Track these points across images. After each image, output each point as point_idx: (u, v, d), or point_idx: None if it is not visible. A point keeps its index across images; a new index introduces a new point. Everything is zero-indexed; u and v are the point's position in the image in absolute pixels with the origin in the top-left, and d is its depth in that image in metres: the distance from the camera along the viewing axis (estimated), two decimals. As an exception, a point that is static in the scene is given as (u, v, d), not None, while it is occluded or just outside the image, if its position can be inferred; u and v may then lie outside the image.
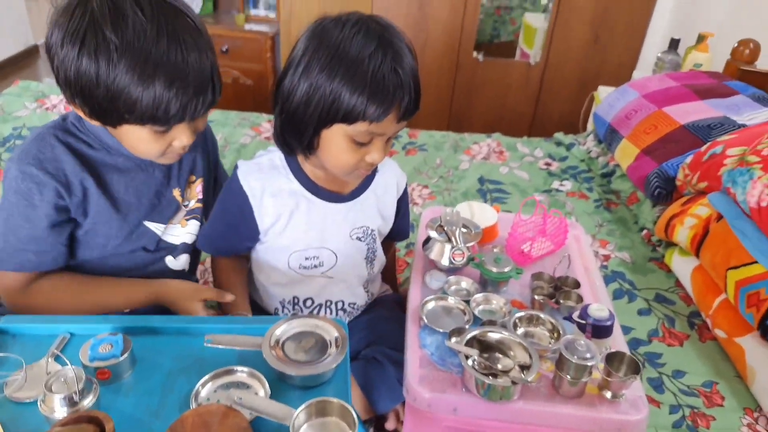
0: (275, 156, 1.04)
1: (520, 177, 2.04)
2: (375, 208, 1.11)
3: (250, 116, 2.32)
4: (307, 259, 1.07)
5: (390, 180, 1.13)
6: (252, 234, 1.05)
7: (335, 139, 0.92)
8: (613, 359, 0.87)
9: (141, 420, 0.73)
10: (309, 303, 1.13)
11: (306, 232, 1.05)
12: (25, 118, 2.11)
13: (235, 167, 1.03)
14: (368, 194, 1.09)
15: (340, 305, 1.15)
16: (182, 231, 1.09)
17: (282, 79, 0.93)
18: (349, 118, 0.88)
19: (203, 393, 0.75)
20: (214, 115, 2.29)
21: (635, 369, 0.85)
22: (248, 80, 3.18)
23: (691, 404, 1.17)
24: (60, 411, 0.69)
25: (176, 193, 1.07)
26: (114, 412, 0.72)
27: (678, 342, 1.33)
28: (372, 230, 1.12)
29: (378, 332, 1.15)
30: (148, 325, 0.85)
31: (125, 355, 0.77)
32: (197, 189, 1.11)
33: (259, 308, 1.18)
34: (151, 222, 1.05)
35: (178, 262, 1.12)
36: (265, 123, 2.27)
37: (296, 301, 1.12)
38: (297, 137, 0.95)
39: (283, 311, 1.13)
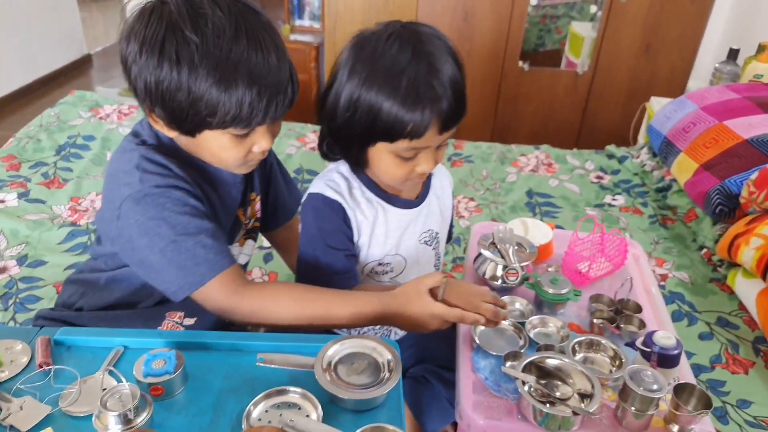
0: (342, 169, 1.01)
1: (570, 190, 1.98)
2: (438, 209, 1.09)
3: (295, 126, 2.32)
4: (380, 265, 1.04)
5: (444, 180, 1.13)
6: (352, 248, 1.01)
7: (382, 156, 0.91)
8: (681, 391, 0.82)
9: (193, 439, 0.72)
10: None
11: (385, 242, 1.02)
12: (80, 127, 2.17)
13: (309, 194, 0.99)
14: (431, 197, 1.08)
15: None
16: (239, 250, 1.07)
17: (325, 97, 0.92)
18: (389, 136, 0.87)
19: (255, 413, 0.74)
20: (260, 125, 2.30)
21: (706, 403, 0.80)
22: (293, 90, 3.21)
23: (758, 437, 1.10)
24: (114, 428, 0.69)
25: (239, 212, 1.04)
26: (166, 430, 0.72)
27: (743, 369, 1.25)
28: (437, 233, 1.09)
29: (427, 349, 1.12)
30: (200, 340, 0.85)
31: (178, 371, 0.76)
32: (257, 207, 1.09)
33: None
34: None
35: None
36: (310, 134, 2.27)
37: None
38: (345, 154, 0.96)
39: None
